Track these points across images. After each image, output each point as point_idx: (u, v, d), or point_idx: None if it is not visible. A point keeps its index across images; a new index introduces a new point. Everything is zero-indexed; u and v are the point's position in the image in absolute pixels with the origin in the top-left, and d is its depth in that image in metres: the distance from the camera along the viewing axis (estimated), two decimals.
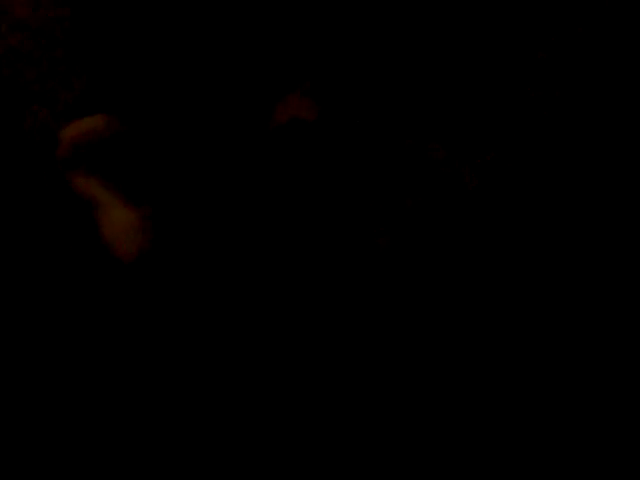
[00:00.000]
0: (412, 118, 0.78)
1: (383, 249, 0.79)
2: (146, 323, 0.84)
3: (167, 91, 0.78)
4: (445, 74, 0.79)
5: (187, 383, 0.83)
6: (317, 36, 0.74)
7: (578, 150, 0.85)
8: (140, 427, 0.86)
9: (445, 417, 0.85)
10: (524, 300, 0.86)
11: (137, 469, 0.85)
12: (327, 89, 0.75)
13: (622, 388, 0.85)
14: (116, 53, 0.80)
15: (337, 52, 0.74)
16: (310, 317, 0.80)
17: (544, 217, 0.85)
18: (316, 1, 0.75)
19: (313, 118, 0.76)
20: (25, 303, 0.88)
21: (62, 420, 0.87)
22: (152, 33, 0.77)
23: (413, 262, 0.81)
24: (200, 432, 0.84)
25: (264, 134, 0.76)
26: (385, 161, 0.78)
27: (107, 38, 0.80)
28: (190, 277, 0.80)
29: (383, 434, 0.84)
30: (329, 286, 0.79)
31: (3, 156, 0.86)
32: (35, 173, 0.86)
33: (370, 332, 0.82)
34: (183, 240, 0.79)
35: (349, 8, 0.75)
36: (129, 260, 0.78)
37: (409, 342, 0.84)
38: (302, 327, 0.80)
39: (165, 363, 0.84)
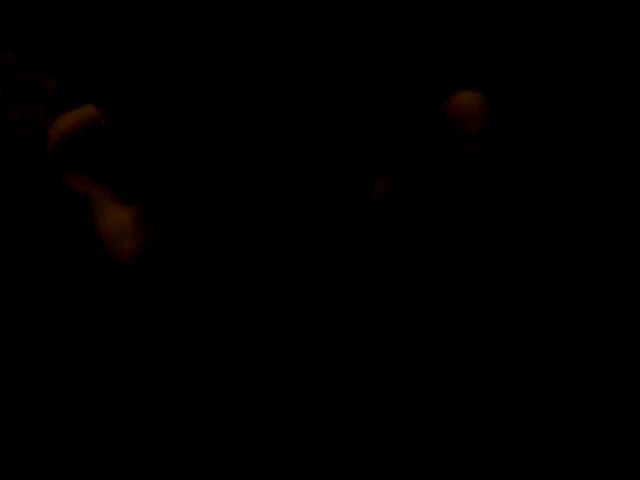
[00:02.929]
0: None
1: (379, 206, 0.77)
2: (145, 321, 0.83)
3: (161, 80, 0.75)
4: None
5: (186, 381, 0.83)
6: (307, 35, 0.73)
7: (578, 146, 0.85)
8: (140, 427, 0.85)
9: (445, 417, 0.85)
10: (524, 299, 0.85)
11: (137, 469, 0.85)
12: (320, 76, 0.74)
13: (622, 388, 0.85)
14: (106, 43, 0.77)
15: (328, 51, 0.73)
16: (311, 313, 0.79)
17: (543, 211, 0.85)
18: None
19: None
20: (22, 303, 0.87)
21: (61, 420, 0.87)
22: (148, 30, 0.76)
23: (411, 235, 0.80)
24: (200, 432, 0.84)
25: (264, 122, 0.74)
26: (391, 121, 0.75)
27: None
28: (188, 274, 0.79)
29: (383, 434, 0.84)
30: (331, 280, 0.78)
31: None
32: (25, 169, 0.85)
33: (370, 330, 0.82)
34: (179, 238, 0.78)
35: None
36: (125, 259, 0.77)
37: (409, 340, 0.84)
38: (302, 324, 0.79)
39: (165, 361, 0.84)
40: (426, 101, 0.75)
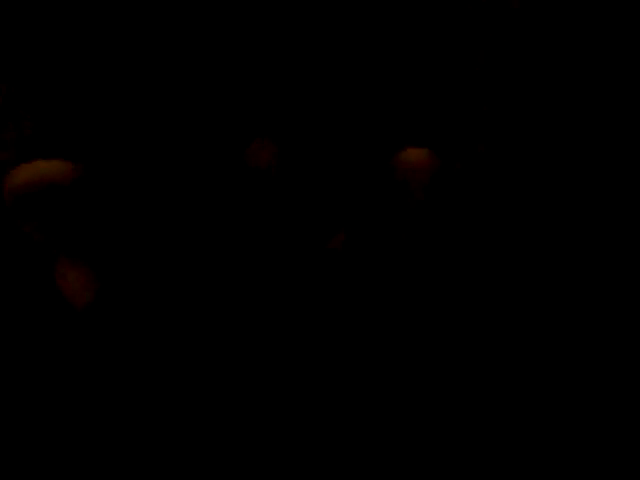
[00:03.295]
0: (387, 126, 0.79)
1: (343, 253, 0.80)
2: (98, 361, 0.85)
3: (129, 139, 0.77)
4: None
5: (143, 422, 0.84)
6: (279, 88, 0.75)
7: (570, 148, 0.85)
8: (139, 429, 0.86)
9: (445, 417, 0.85)
10: (522, 300, 0.86)
11: (137, 469, 0.86)
12: (286, 138, 0.77)
13: (622, 388, 0.85)
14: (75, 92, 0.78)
15: (297, 103, 0.75)
16: (303, 322, 0.80)
17: (536, 213, 0.85)
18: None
19: (273, 168, 0.77)
20: None
21: (61, 422, 0.88)
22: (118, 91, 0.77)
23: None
24: (198, 433, 0.85)
25: (227, 191, 0.77)
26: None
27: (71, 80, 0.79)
28: (137, 319, 0.81)
29: (383, 434, 0.84)
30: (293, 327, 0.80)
31: None
32: None
33: (368, 332, 0.82)
34: (127, 289, 0.80)
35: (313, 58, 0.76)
36: (80, 307, 0.80)
37: (408, 341, 0.84)
38: (298, 332, 0.80)
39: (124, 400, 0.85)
40: (377, 158, 0.78)
